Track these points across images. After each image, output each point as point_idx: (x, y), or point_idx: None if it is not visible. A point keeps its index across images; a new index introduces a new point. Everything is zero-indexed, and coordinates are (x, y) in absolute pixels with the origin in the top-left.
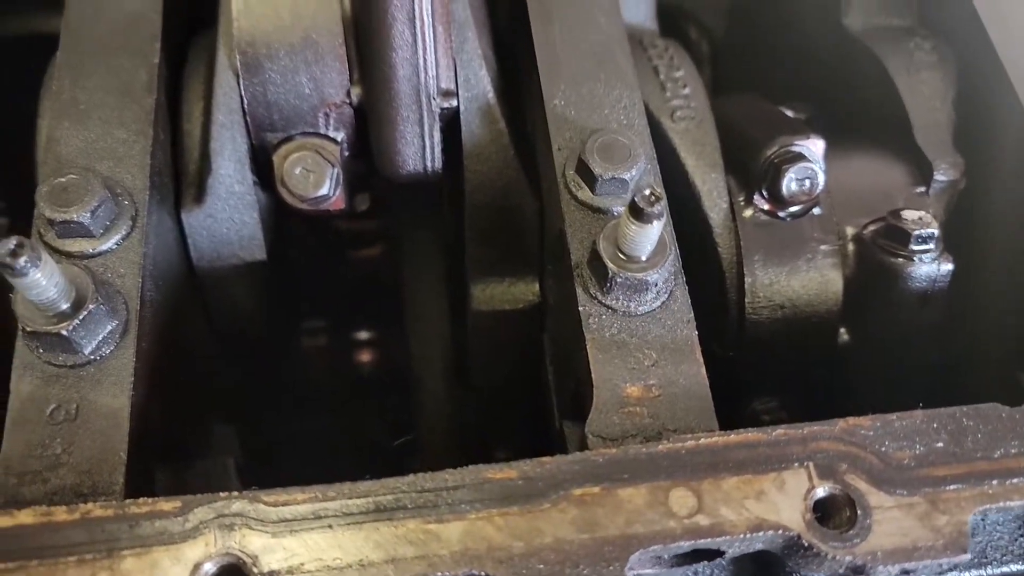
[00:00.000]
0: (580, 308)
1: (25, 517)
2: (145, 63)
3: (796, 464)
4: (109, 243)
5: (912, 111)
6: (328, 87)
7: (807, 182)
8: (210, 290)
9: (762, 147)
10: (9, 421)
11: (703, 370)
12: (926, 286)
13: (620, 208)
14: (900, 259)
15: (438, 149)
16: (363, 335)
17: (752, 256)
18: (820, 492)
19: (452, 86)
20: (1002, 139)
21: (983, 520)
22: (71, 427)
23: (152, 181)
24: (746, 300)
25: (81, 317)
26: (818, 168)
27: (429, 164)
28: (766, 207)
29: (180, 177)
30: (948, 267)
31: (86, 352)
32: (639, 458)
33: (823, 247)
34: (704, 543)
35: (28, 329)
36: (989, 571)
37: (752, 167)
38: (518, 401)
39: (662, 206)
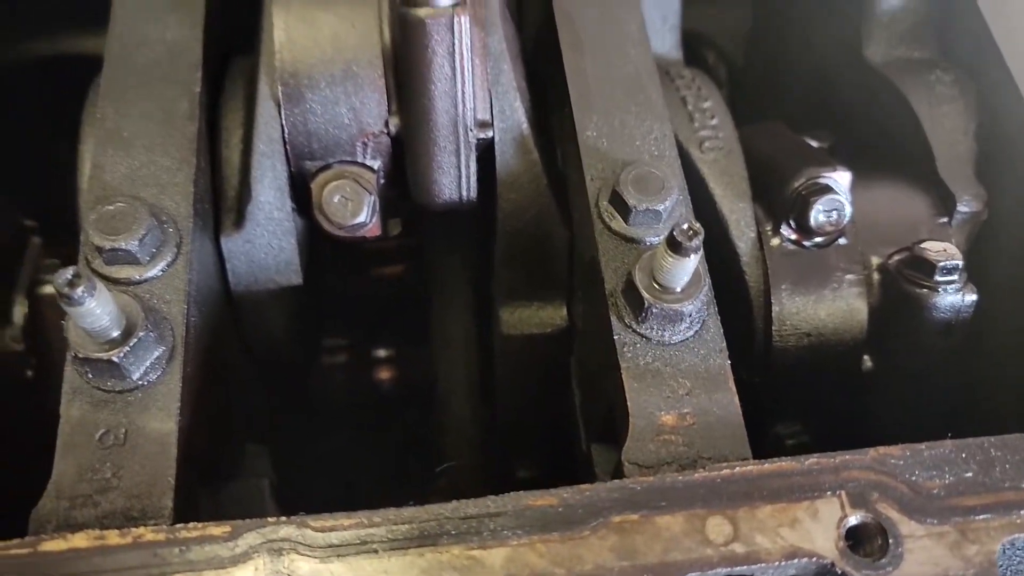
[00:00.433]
0: (615, 337)
1: (79, 541)
2: (187, 91)
3: (829, 492)
4: (155, 270)
5: (935, 144)
6: (367, 117)
7: (834, 214)
8: (246, 314)
9: (790, 179)
10: (60, 445)
11: (736, 399)
12: (950, 316)
13: (653, 238)
14: (925, 289)
15: (474, 179)
16: (383, 352)
17: (780, 285)
18: (852, 520)
19: (488, 117)
20: (1022, 170)
21: (1004, 548)
22: (120, 451)
23: (195, 208)
24: (773, 328)
25: (131, 344)
26: (845, 200)
27: (464, 193)
28: (793, 237)
29: (219, 203)
30: (972, 297)
31: (134, 378)
32: (676, 486)
33: (848, 276)
34: (740, 570)
35: (79, 355)
36: None
37: (780, 198)
38: (541, 421)
39: (700, 240)
